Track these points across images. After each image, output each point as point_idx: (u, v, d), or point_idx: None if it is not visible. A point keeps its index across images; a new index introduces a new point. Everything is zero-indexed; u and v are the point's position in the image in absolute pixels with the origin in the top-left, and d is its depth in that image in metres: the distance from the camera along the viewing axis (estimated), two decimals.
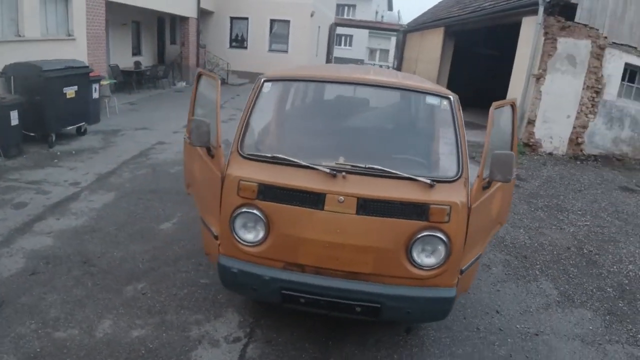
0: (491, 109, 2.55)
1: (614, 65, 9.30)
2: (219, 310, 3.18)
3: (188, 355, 2.71)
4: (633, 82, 9.85)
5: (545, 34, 8.97)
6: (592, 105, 9.55)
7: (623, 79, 9.56)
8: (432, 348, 2.98)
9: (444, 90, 2.98)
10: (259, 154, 2.62)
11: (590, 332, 3.35)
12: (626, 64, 9.37)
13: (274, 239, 2.51)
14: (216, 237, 2.69)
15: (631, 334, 3.38)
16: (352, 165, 2.52)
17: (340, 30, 29.05)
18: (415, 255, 2.47)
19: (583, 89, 9.37)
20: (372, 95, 3.34)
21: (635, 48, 9.25)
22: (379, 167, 2.49)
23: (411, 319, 2.82)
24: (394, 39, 30.48)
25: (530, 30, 9.36)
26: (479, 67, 15.23)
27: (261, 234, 2.52)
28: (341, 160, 2.56)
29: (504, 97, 9.74)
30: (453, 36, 14.90)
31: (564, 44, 8.94)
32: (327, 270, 2.51)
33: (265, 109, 2.74)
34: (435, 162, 2.79)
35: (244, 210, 2.50)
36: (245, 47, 16.57)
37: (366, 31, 36.16)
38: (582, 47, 8.99)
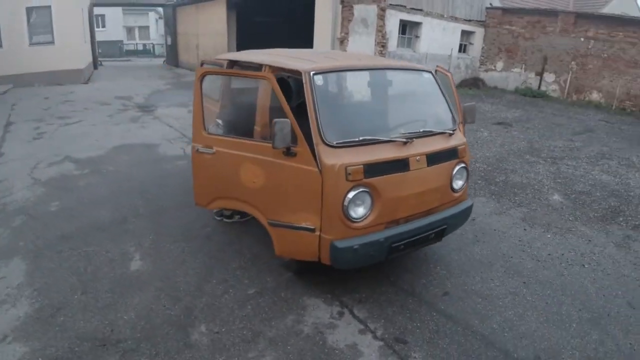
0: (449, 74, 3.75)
1: (393, 22, 11.74)
2: (297, 304, 3.36)
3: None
4: (405, 34, 12.64)
5: (342, 1, 10.57)
6: (382, 57, 11.92)
7: (399, 32, 12.18)
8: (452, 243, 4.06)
9: (426, 67, 3.91)
10: (345, 140, 2.95)
11: (494, 207, 5.17)
12: (400, 20, 11.94)
13: (379, 207, 3.02)
14: (312, 230, 2.94)
15: (515, 202, 5.33)
16: (412, 132, 3.24)
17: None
18: (454, 183, 3.47)
19: (375, 44, 11.54)
20: (389, 77, 3.87)
21: (405, 6, 11.84)
22: (429, 130, 3.24)
23: (456, 228, 3.81)
24: (152, 15, 28.70)
25: (326, 0, 10.84)
26: (269, 36, 16.33)
27: (369, 207, 2.97)
28: (402, 130, 3.15)
29: None
30: (235, 7, 15.47)
31: (359, 9, 10.78)
32: (414, 216, 3.24)
33: (323, 100, 2.95)
34: (443, 119, 3.63)
35: (354, 192, 2.88)
36: None
37: (119, 9, 32.71)
38: (370, 11, 11.01)
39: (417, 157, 3.11)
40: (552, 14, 14.00)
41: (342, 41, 10.97)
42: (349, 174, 2.83)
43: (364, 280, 3.64)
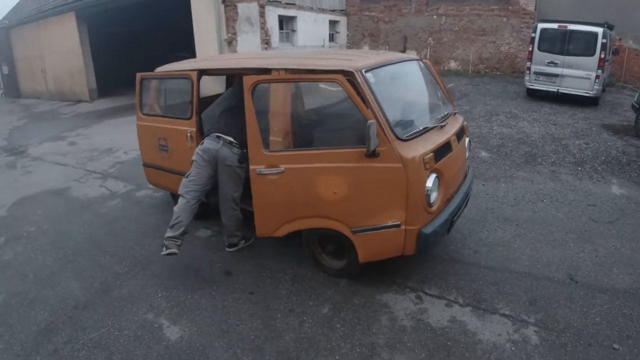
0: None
1: (272, 18, 11.80)
2: (376, 304, 3.31)
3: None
4: (282, 29, 12.80)
5: (224, 1, 10.27)
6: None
7: (279, 28, 12.30)
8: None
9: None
10: (410, 132, 3.07)
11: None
12: (279, 16, 12.05)
13: (443, 188, 3.24)
14: (398, 226, 3.03)
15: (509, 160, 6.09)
16: (441, 116, 3.60)
17: None
18: (467, 152, 3.94)
19: (260, 42, 11.50)
20: (407, 69, 3.94)
21: (280, 2, 11.98)
22: (447, 112, 3.66)
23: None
24: None
25: (202, 1, 10.39)
26: (134, 46, 15.03)
27: (438, 190, 3.17)
28: (437, 116, 3.58)
29: None
30: (87, 19, 13.84)
31: (243, 8, 10.58)
32: (456, 190, 3.59)
33: (381, 96, 2.95)
34: (446, 101, 3.97)
35: (431, 178, 3.05)
36: None
37: None
38: (253, 8, 10.90)
39: (453, 137, 3.40)
40: None
41: (230, 42, 10.67)
42: (426, 162, 2.96)
43: (407, 264, 3.77)
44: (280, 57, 3.68)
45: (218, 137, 3.68)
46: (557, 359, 2.87)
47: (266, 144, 3.12)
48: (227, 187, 3.73)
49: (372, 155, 2.85)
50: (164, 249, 3.59)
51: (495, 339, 3.01)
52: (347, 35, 16.94)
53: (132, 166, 6.95)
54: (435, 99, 3.92)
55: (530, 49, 10.51)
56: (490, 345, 2.95)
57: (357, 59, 3.21)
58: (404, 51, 16.16)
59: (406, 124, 3.15)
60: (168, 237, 3.59)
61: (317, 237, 3.53)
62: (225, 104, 3.96)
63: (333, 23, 15.99)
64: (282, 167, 3.10)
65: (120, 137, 8.88)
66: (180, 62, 4.55)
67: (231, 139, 3.66)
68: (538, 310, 3.34)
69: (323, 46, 15.03)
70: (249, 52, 4.90)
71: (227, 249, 4.12)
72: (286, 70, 3.17)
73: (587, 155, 7.05)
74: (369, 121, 2.70)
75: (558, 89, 10.21)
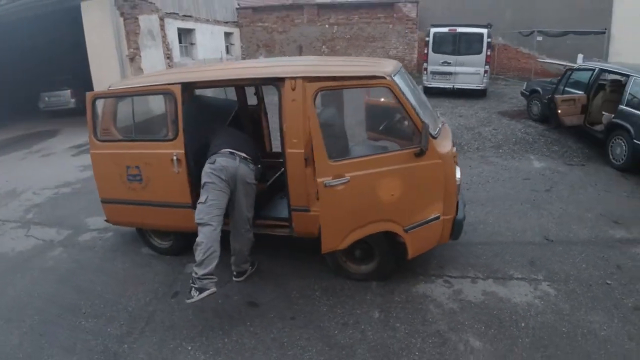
0: None
1: (172, 31, 11.32)
2: (422, 297, 3.48)
3: None
4: (181, 42, 12.34)
5: (122, 14, 9.58)
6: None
7: (179, 41, 11.84)
8: None
9: None
10: (436, 131, 3.36)
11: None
12: (178, 29, 11.60)
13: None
14: (438, 218, 3.27)
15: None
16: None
17: None
18: None
19: (164, 57, 10.96)
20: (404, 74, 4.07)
21: (178, 14, 11.54)
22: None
23: None
24: None
25: (96, 14, 9.57)
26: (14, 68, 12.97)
27: None
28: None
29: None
30: None
31: (144, 20, 9.96)
32: None
33: (411, 99, 3.15)
34: None
35: (458, 171, 3.37)
36: None
37: None
38: (154, 21, 10.33)
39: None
40: (297, 8, 16.12)
41: (133, 58, 9.94)
42: (454, 156, 3.28)
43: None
44: (291, 64, 3.61)
45: (232, 153, 3.41)
46: (575, 302, 3.37)
47: (330, 154, 3.04)
48: (243, 207, 3.45)
49: (420, 154, 3.05)
50: (196, 293, 3.08)
51: (525, 299, 3.41)
52: (242, 46, 16.91)
53: (53, 207, 5.92)
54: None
55: (426, 51, 11.71)
56: (525, 305, 3.33)
57: (379, 65, 3.41)
58: None
59: (430, 122, 3.34)
60: (203, 275, 3.09)
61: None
62: (221, 118, 3.77)
63: (228, 35, 15.83)
64: (348, 176, 3.06)
65: (18, 175, 7.64)
66: (149, 75, 4.22)
67: (244, 154, 3.44)
68: (539, 269, 3.85)
69: (221, 59, 14.81)
70: (232, 62, 4.69)
71: (235, 279, 3.74)
72: (320, 77, 3.16)
73: (500, 139, 8.14)
74: (424, 122, 2.93)
75: (453, 85, 11.54)
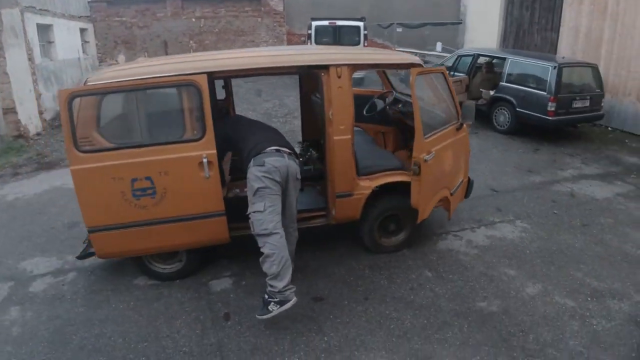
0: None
1: (32, 28, 9.85)
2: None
3: None
4: (40, 41, 10.80)
5: None
6: (33, 71, 10.01)
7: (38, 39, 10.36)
8: None
9: None
10: None
11: None
12: (37, 25, 10.14)
13: None
14: (462, 181, 4.03)
15: None
16: None
17: None
18: None
19: (27, 57, 9.54)
20: None
21: (35, 7, 10.06)
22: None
23: None
24: None
25: None
26: None
27: None
28: None
29: None
30: None
31: (8, 15, 8.50)
32: None
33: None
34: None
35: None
36: None
37: None
38: (16, 16, 8.87)
39: None
40: (159, 0, 15.22)
41: None
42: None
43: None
44: (329, 52, 3.81)
45: (278, 150, 3.20)
46: (546, 229, 4.54)
47: (425, 132, 3.39)
48: (294, 205, 3.33)
49: (460, 127, 3.75)
50: (276, 306, 2.97)
51: (515, 234, 4.45)
52: (97, 44, 15.30)
53: None
54: None
55: (309, 43, 12.46)
56: (518, 239, 4.37)
57: (406, 55, 3.99)
58: None
59: None
60: (284, 287, 2.96)
61: (379, 222, 3.93)
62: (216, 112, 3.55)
63: (83, 32, 14.16)
64: (433, 151, 3.44)
65: None
66: (147, 62, 3.57)
67: (288, 150, 3.29)
68: (506, 212, 4.96)
69: (79, 59, 13.28)
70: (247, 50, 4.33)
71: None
72: (362, 65, 3.63)
73: None
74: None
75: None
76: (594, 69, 7.53)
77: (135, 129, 3.51)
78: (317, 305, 3.41)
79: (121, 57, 15.62)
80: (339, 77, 3.43)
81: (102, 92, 3.19)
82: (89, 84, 3.18)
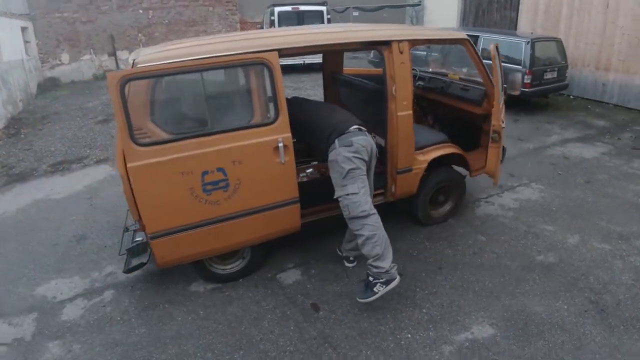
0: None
1: None
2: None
3: None
4: None
5: None
6: None
7: None
8: None
9: None
10: None
11: None
12: None
13: None
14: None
15: None
16: None
17: None
18: None
19: None
20: None
21: None
22: None
23: None
24: None
25: None
26: None
27: None
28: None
29: None
30: None
31: None
32: None
33: None
34: None
35: None
36: None
37: None
38: None
39: None
40: None
41: None
42: None
43: None
44: (382, 29, 3.81)
45: (360, 129, 3.17)
46: (558, 188, 5.18)
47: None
48: (372, 183, 3.32)
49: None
50: (382, 286, 3.03)
51: (535, 195, 5.04)
52: (37, 43, 14.26)
53: None
54: None
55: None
56: (540, 198, 4.96)
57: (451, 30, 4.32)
58: (114, 52, 15.18)
59: None
60: (389, 267, 3.04)
61: (432, 194, 4.23)
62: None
63: (23, 31, 13.14)
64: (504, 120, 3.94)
65: None
66: (195, 42, 3.23)
67: (365, 128, 3.25)
68: (519, 177, 5.56)
69: (22, 60, 12.39)
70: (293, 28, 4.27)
71: (350, 265, 3.71)
72: (419, 40, 3.70)
73: None
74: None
75: (304, 61, 12.74)
76: (559, 42, 8.36)
77: (198, 115, 3.18)
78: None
79: (65, 57, 14.71)
80: (401, 52, 3.49)
81: (159, 74, 2.82)
82: (138, 66, 2.79)
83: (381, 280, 3.04)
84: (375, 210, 3.10)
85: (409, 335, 3.00)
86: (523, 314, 3.17)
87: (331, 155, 3.11)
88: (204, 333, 3.08)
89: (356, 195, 3.02)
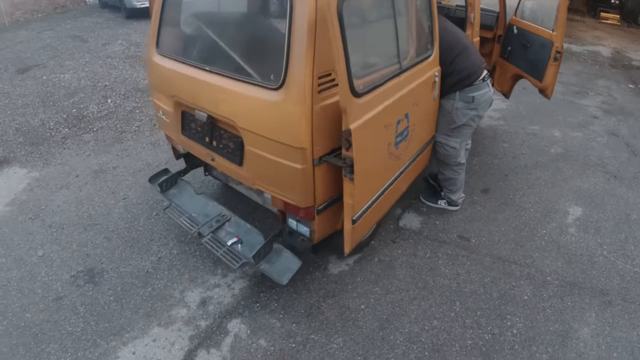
0: None
1: None
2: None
3: None
4: None
5: None
6: None
7: None
8: None
9: None
10: None
11: None
12: None
13: None
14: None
15: None
16: None
17: None
18: None
19: None
20: None
21: None
22: None
23: None
24: None
25: None
26: None
27: None
28: None
29: None
30: None
31: None
32: None
33: None
34: None
35: None
36: None
37: None
38: None
39: None
40: None
41: None
42: None
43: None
44: None
45: (484, 80, 3.00)
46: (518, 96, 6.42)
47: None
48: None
49: None
50: (444, 203, 3.64)
51: (503, 104, 6.31)
52: None
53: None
54: None
55: None
56: (507, 105, 6.26)
57: None
58: None
59: None
60: (457, 198, 3.63)
61: None
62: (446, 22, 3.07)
63: None
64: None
65: None
66: None
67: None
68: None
69: None
70: None
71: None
72: None
73: None
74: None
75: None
76: None
77: (389, 50, 2.45)
78: (466, 242, 3.39)
79: None
80: None
81: None
82: None
83: (446, 200, 3.64)
84: (465, 160, 3.41)
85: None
86: (583, 191, 4.22)
87: (445, 102, 3.01)
88: (410, 309, 2.76)
89: (455, 149, 3.18)
